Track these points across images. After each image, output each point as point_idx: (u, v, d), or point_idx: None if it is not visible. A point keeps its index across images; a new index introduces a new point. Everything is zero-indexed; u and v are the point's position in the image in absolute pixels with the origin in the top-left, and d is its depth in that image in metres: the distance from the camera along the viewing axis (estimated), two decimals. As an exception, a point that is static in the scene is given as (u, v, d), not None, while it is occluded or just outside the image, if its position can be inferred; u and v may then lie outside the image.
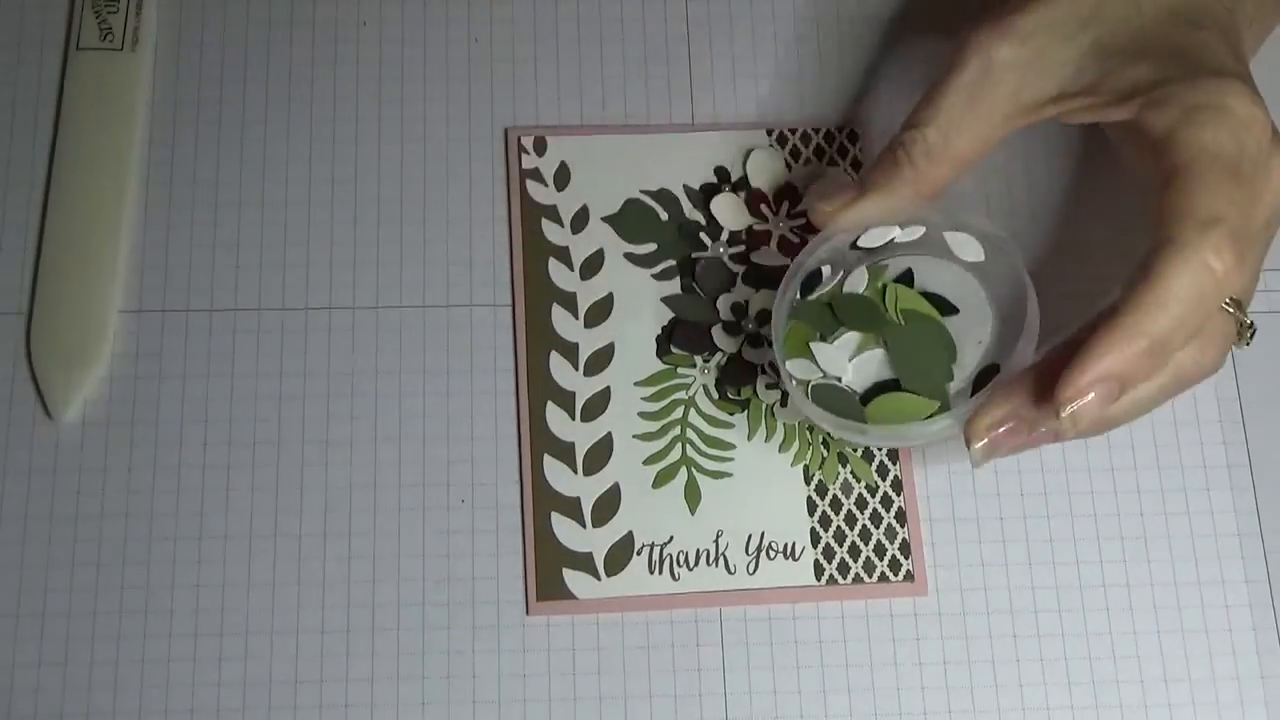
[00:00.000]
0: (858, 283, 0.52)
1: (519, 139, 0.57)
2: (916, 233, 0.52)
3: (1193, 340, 0.46)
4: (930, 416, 0.50)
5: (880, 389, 0.51)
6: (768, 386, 0.54)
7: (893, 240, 0.52)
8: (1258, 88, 0.47)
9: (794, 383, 0.51)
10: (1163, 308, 0.44)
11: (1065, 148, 0.58)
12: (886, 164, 0.51)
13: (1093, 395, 0.44)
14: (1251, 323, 0.47)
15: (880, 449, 0.53)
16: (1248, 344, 0.48)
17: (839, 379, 0.51)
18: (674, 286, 0.55)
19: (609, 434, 0.53)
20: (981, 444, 0.47)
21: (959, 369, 0.51)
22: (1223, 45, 0.48)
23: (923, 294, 0.52)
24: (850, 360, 0.51)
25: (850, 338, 0.52)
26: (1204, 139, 0.45)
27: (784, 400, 0.54)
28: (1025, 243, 0.56)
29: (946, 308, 0.52)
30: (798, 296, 0.52)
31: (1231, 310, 0.46)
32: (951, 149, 0.50)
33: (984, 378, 0.50)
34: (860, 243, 0.52)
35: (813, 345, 0.51)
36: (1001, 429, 0.47)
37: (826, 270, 0.52)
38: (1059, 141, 0.58)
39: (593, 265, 0.55)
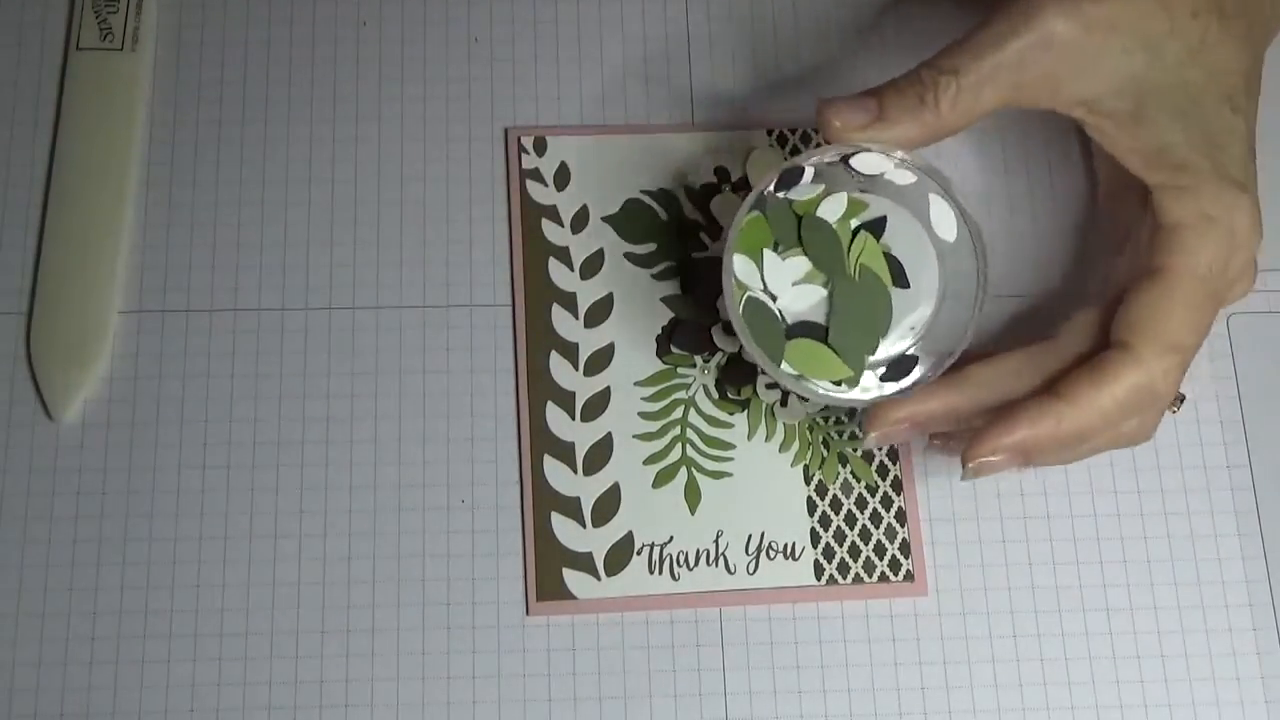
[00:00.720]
0: (835, 207, 0.51)
1: (519, 139, 0.57)
2: (908, 179, 0.51)
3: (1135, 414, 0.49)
4: (840, 382, 0.50)
5: (806, 329, 0.51)
6: (768, 386, 0.54)
7: (884, 175, 0.51)
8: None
9: (734, 282, 0.50)
10: (1098, 409, 0.47)
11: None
12: (910, 99, 0.49)
13: (1002, 457, 0.47)
14: (1183, 394, 0.51)
15: (879, 449, 0.53)
16: (1175, 412, 0.52)
17: (775, 297, 0.51)
18: (674, 286, 0.55)
19: (609, 434, 0.53)
20: (874, 435, 0.50)
21: (884, 345, 0.51)
22: (1246, 139, 0.49)
23: (885, 255, 0.51)
24: (793, 284, 0.51)
25: (801, 261, 0.51)
26: (1203, 256, 0.47)
27: (784, 400, 0.54)
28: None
29: (900, 279, 0.51)
30: (771, 188, 0.51)
31: None
32: (978, 103, 0.49)
33: (899, 364, 0.50)
34: (853, 163, 0.51)
35: (765, 251, 0.51)
36: (901, 426, 0.49)
37: (809, 173, 0.51)
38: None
39: (593, 265, 0.55)
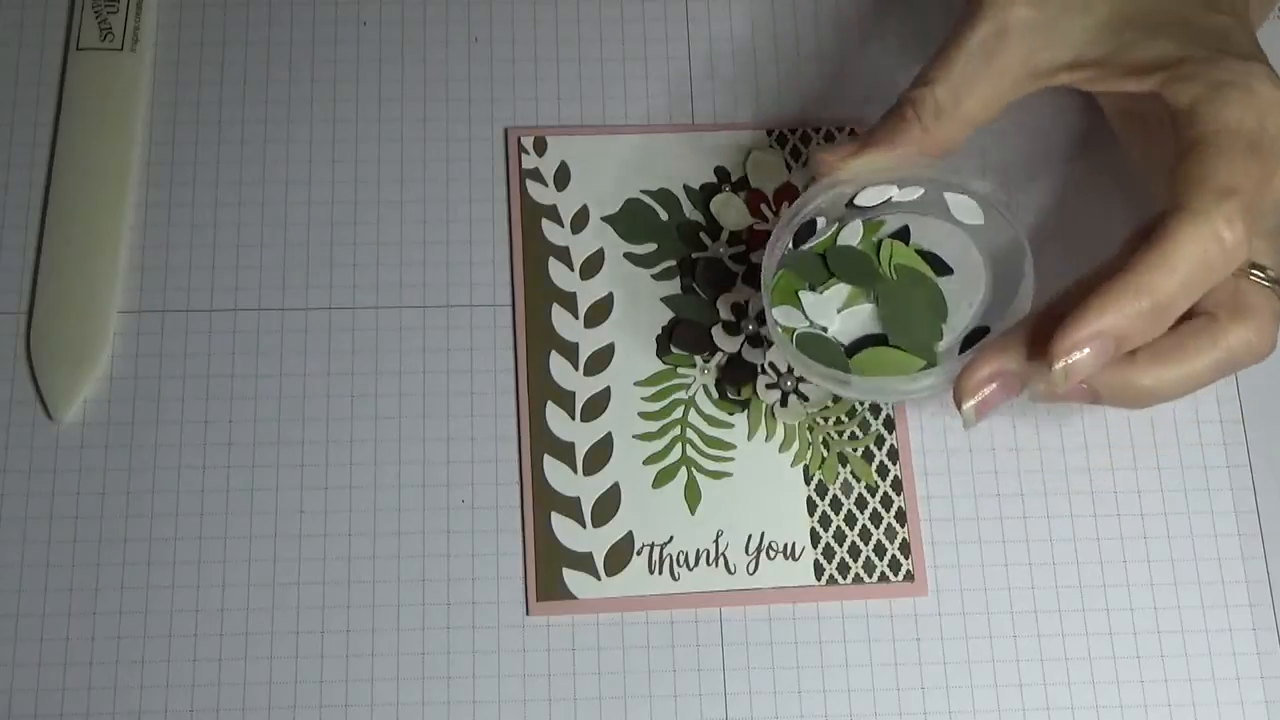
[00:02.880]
0: (852, 235, 0.51)
1: (519, 139, 0.57)
2: (915, 193, 0.51)
3: (1240, 321, 0.46)
4: (918, 372, 0.49)
5: (867, 342, 0.50)
6: (768, 386, 0.54)
7: (890, 199, 0.51)
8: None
9: (779, 329, 0.50)
10: (1169, 270, 0.43)
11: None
12: (894, 120, 0.50)
13: (1088, 350, 0.44)
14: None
15: (879, 449, 0.53)
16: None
17: (825, 329, 0.51)
18: (674, 286, 0.55)
19: (609, 434, 0.53)
20: (971, 404, 0.46)
21: (949, 329, 0.50)
22: (1241, 31, 0.48)
23: (918, 252, 0.51)
24: (838, 311, 0.51)
25: (840, 289, 0.51)
26: (1228, 114, 0.45)
27: (784, 400, 0.54)
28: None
29: (941, 267, 0.51)
30: (790, 246, 0.51)
31: (1268, 285, 0.47)
32: (961, 109, 0.49)
33: (973, 339, 0.50)
34: (857, 200, 0.51)
35: (801, 294, 0.51)
36: (991, 387, 0.46)
37: (821, 222, 0.51)
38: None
39: (593, 265, 0.55)
